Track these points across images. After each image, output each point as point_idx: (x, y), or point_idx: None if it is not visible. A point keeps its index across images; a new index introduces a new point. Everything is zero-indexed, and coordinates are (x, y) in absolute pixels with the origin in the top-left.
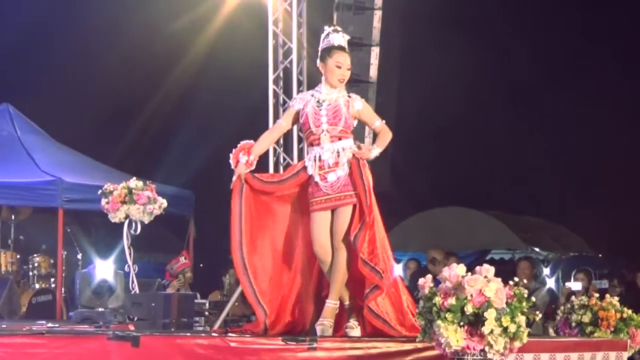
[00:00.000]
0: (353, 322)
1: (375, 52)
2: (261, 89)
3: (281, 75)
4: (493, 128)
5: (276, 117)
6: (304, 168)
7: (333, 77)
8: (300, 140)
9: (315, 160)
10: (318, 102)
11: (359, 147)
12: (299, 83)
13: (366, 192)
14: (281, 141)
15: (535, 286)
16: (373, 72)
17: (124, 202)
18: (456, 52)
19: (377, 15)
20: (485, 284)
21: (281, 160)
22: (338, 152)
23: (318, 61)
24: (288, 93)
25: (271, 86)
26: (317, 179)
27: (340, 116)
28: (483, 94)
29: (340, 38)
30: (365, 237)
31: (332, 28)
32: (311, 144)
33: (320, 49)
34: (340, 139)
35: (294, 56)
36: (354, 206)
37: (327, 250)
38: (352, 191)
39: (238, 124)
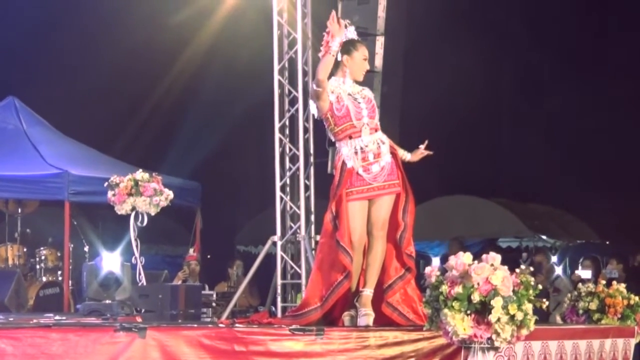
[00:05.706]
0: (369, 310)
1: (380, 41)
2: (266, 80)
3: (286, 65)
4: (498, 116)
5: (282, 107)
6: (343, 163)
7: (359, 70)
8: (305, 130)
9: (357, 152)
10: (350, 95)
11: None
12: (304, 73)
13: (406, 184)
14: (287, 132)
15: (556, 275)
16: (378, 61)
17: (130, 194)
18: (462, 42)
19: (382, 4)
20: (491, 272)
21: (287, 151)
22: (378, 144)
23: (340, 54)
24: (293, 83)
25: (276, 76)
26: (360, 171)
27: (375, 109)
28: (488, 82)
29: (354, 32)
30: (410, 235)
31: (346, 21)
32: (349, 137)
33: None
34: (376, 130)
35: (299, 46)
36: (397, 195)
37: (364, 241)
38: (396, 180)
39: (243, 115)
